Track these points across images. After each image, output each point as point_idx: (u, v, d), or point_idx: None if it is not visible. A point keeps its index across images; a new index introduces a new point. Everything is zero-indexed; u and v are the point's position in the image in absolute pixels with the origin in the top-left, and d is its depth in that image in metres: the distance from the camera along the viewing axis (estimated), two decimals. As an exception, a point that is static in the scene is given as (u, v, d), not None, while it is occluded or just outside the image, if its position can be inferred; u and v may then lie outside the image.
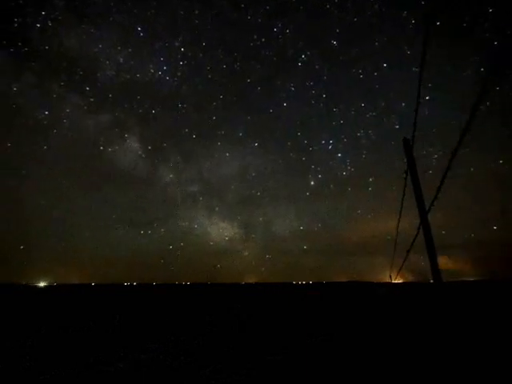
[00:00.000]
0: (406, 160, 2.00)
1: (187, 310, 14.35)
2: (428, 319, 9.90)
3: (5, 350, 6.06)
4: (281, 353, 5.77)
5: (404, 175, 2.40)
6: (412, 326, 8.49)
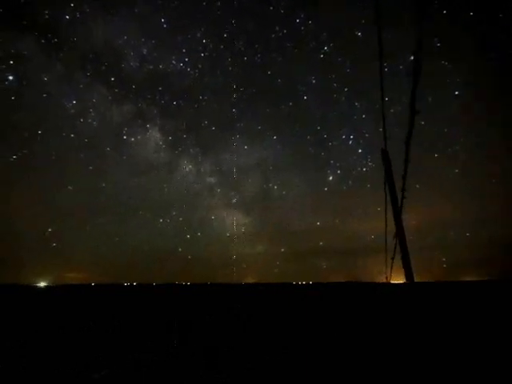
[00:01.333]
0: (384, 170, 2.05)
1: (187, 310, 14.36)
2: (424, 319, 9.93)
3: (4, 350, 6.08)
4: (281, 353, 5.80)
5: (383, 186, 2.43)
6: (411, 326, 8.52)
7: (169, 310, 14.30)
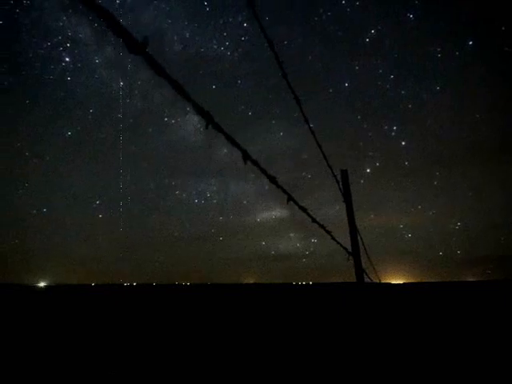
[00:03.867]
0: (342, 190, 2.15)
1: (187, 310, 14.39)
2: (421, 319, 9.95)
3: (4, 350, 6.10)
4: (281, 353, 5.82)
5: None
6: (411, 327, 8.55)
7: (169, 310, 14.32)
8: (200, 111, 0.53)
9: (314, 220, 1.29)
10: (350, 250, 1.99)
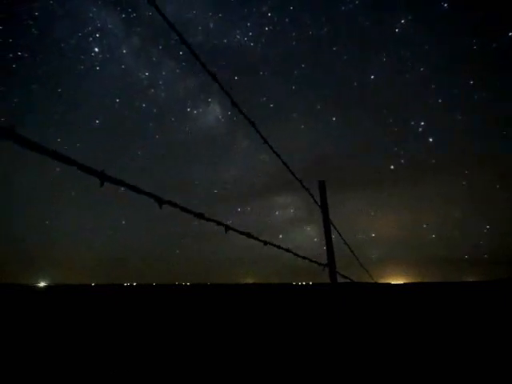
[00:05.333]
0: (320, 201, 2.15)
1: (187, 310, 14.39)
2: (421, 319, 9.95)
3: (4, 350, 6.10)
4: (281, 354, 5.82)
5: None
6: (411, 327, 8.54)
7: (169, 310, 14.32)
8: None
9: (266, 243, 1.26)
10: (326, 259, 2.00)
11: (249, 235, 1.09)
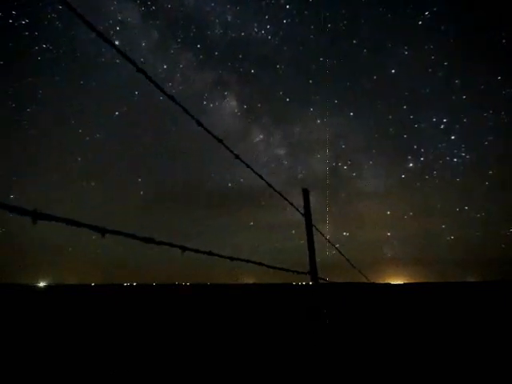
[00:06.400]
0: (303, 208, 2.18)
1: (187, 311, 14.39)
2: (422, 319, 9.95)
3: (4, 350, 6.10)
4: (281, 354, 5.82)
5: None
6: (411, 327, 8.55)
7: (168, 311, 14.32)
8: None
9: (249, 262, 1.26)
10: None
11: (210, 253, 1.06)
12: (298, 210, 1.99)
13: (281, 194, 1.78)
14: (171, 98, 1.06)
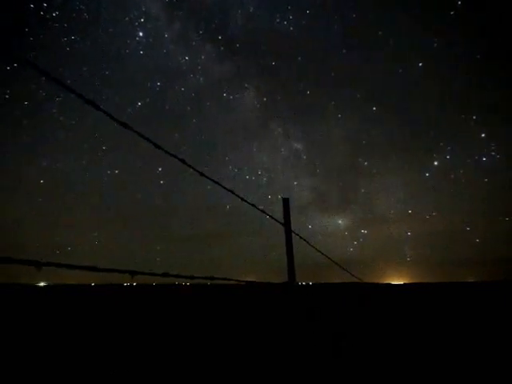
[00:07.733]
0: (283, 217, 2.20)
1: (187, 311, 14.38)
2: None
3: (4, 350, 6.10)
4: (282, 354, 5.81)
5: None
6: (411, 327, 8.54)
7: (169, 311, 14.30)
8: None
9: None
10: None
11: (165, 275, 1.03)
12: (277, 220, 2.00)
13: (256, 207, 1.79)
14: (123, 124, 1.02)
